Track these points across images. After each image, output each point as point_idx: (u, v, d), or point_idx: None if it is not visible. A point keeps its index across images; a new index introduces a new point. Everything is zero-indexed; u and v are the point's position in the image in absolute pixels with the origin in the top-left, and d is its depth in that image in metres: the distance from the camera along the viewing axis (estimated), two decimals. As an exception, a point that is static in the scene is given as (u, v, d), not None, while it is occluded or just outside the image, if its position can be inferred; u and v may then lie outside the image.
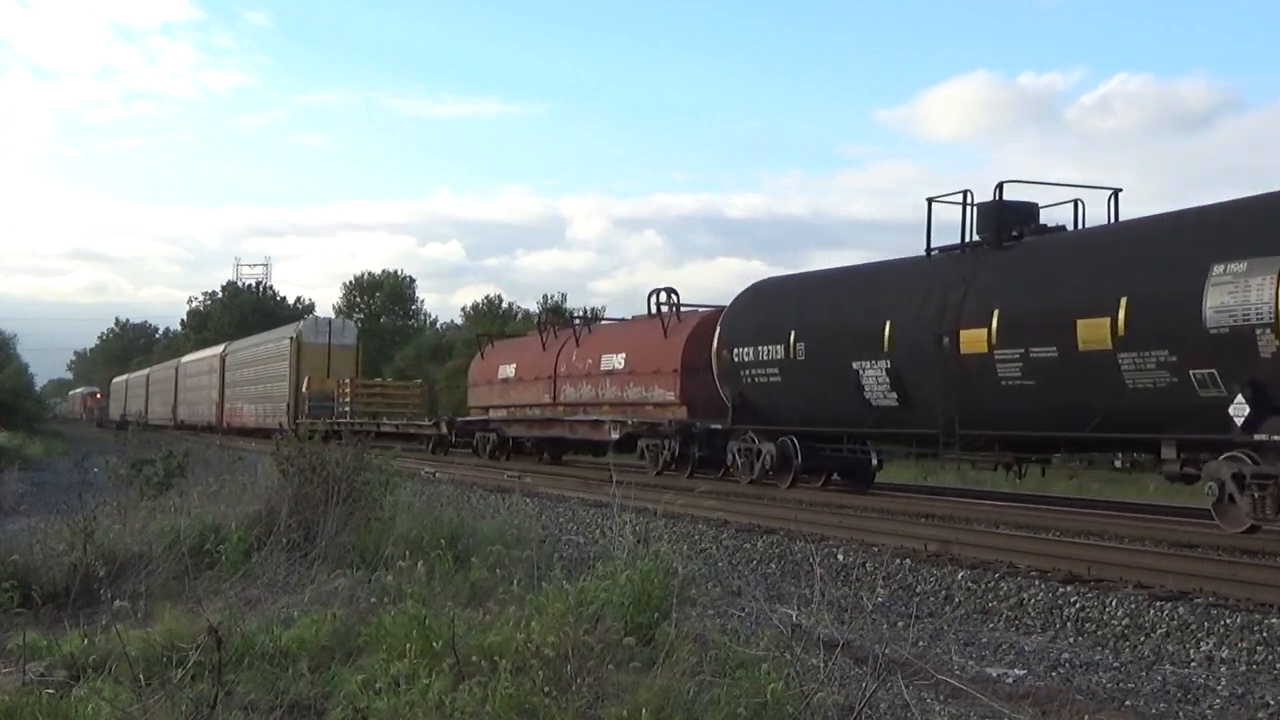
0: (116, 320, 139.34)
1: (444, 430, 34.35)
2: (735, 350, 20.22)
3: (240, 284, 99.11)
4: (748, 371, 19.91)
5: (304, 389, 44.48)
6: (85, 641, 6.46)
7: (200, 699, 5.32)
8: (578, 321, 30.47)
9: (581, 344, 27.32)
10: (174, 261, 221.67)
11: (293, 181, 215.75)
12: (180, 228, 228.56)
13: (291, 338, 47.54)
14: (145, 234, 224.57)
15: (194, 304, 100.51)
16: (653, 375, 23.50)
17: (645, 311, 26.04)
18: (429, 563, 8.16)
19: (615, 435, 24.51)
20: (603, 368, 25.49)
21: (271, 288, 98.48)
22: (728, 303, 22.48)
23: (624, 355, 24.84)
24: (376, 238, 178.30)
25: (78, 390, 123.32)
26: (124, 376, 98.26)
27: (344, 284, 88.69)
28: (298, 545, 9.14)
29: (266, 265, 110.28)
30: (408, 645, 6.02)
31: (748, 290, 21.78)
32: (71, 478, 17.48)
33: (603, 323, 31.30)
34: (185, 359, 72.33)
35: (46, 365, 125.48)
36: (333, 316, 62.49)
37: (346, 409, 41.32)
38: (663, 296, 24.41)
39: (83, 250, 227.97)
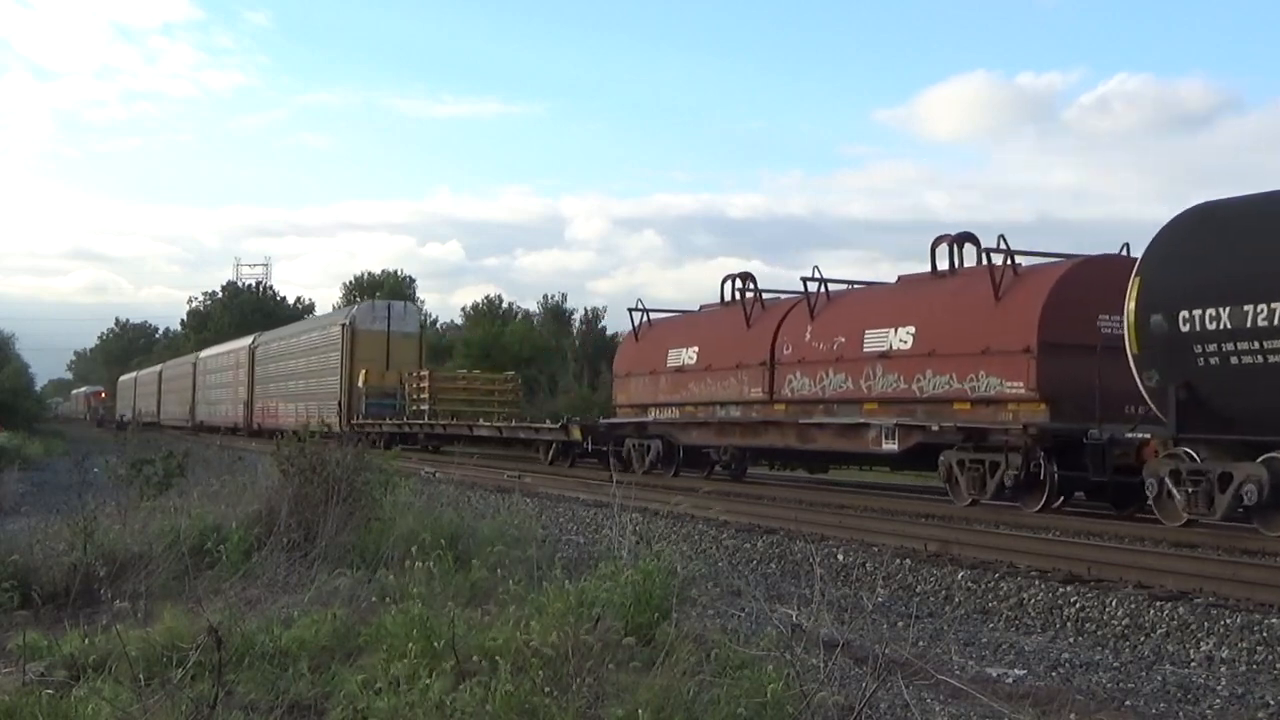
0: (116, 320, 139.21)
1: (574, 435, 25.97)
2: (1182, 314, 12.82)
3: (240, 284, 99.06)
4: (1211, 348, 12.57)
5: (360, 384, 38.43)
6: (85, 641, 6.46)
7: (200, 699, 5.32)
8: (812, 285, 20.30)
9: (821, 316, 19.77)
10: (174, 261, 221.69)
11: (293, 181, 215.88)
12: (180, 228, 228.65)
13: (343, 324, 40.56)
14: (145, 234, 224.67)
15: (194, 304, 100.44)
16: (976, 358, 16.28)
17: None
18: (429, 563, 8.17)
19: (892, 445, 17.59)
20: (868, 348, 18.25)
21: (271, 288, 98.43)
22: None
23: (911, 329, 17.54)
24: (376, 238, 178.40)
25: (81, 389, 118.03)
26: (132, 374, 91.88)
27: (344, 284, 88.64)
28: (298, 545, 9.14)
29: (266, 265, 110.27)
30: (408, 645, 6.02)
31: (1194, 216, 13.68)
32: (71, 478, 17.50)
33: (854, 287, 21.14)
34: (205, 353, 65.05)
35: (46, 365, 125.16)
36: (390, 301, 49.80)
37: (424, 407, 35.18)
38: (1000, 245, 16.39)
39: (82, 250, 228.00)
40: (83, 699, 5.32)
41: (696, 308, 25.33)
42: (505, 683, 5.30)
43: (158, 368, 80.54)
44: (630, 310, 26.07)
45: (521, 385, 40.63)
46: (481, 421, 32.12)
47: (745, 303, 22.12)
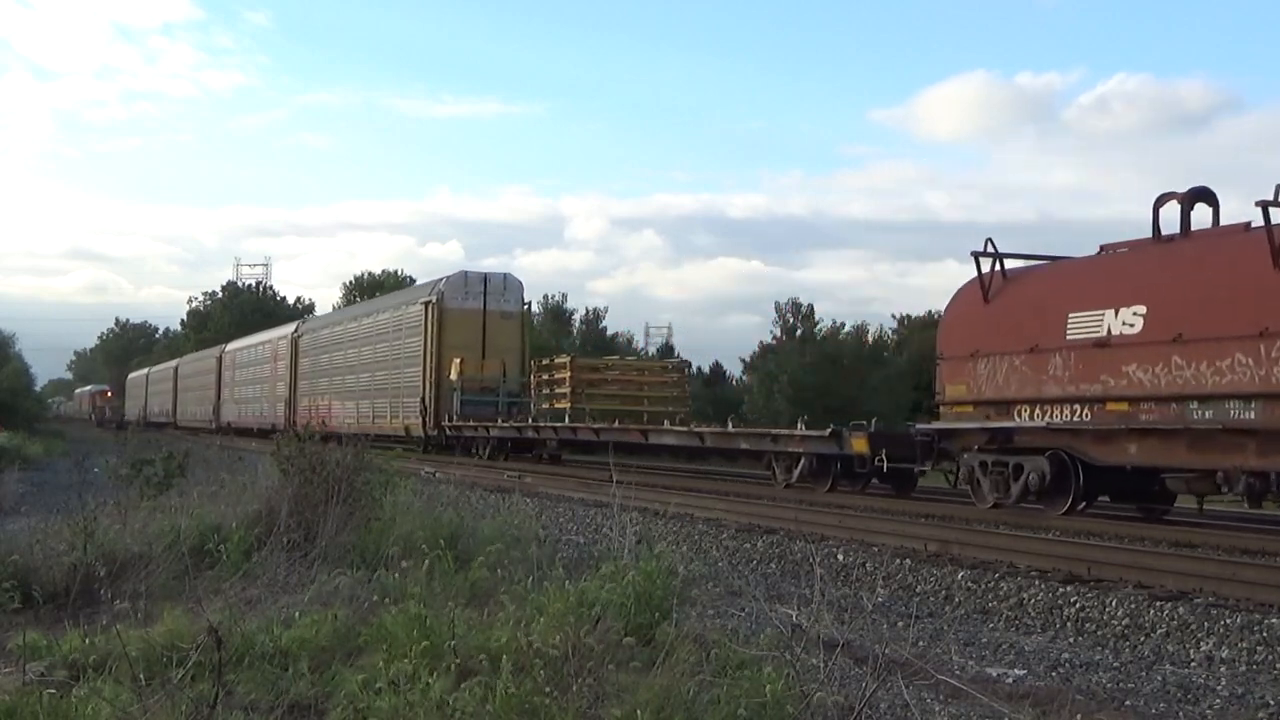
0: (116, 320, 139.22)
1: (855, 447, 17.78)
2: None
3: (240, 284, 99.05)
4: None
5: (451, 376, 30.47)
6: (85, 641, 6.46)
7: (200, 699, 5.32)
8: None
9: None
10: (174, 261, 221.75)
11: (293, 181, 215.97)
12: (180, 228, 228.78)
13: (428, 302, 32.45)
14: (145, 234, 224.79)
15: (194, 304, 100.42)
16: None
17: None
18: (429, 563, 8.17)
19: None
20: None
21: (271, 288, 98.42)
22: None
23: None
24: (376, 238, 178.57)
25: (85, 388, 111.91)
26: (143, 371, 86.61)
27: (344, 284, 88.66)
28: (298, 545, 9.14)
29: (266, 265, 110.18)
30: (408, 645, 6.02)
31: None
32: (71, 478, 17.50)
33: None
34: (235, 344, 57.83)
35: (46, 365, 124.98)
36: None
37: (563, 406, 28.24)
38: None
39: (82, 250, 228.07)
40: (83, 699, 5.32)
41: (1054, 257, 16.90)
42: (506, 683, 5.30)
43: (173, 363, 74.03)
44: (976, 255, 16.35)
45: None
46: (666, 424, 23.71)
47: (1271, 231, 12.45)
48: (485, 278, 33.09)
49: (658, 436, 24.06)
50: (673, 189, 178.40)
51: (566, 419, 27.37)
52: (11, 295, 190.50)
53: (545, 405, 29.50)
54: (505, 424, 28.94)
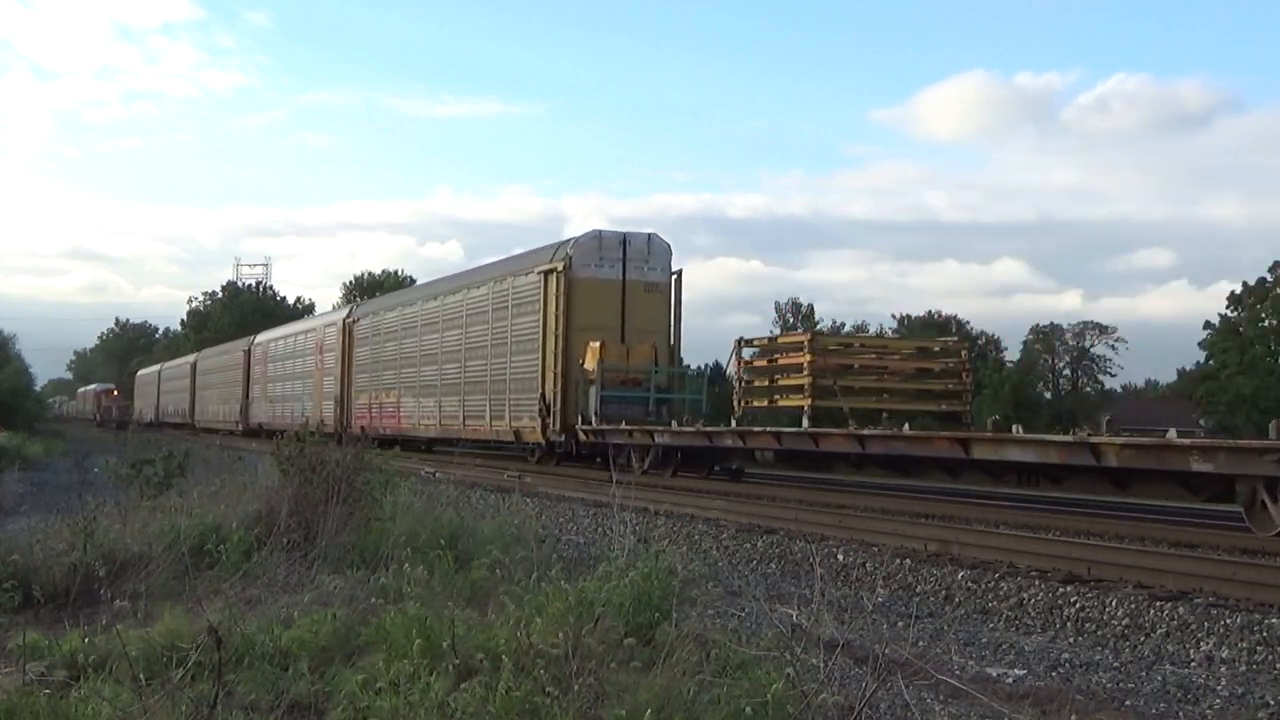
0: (116, 320, 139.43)
1: None
2: None
3: (240, 284, 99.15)
4: None
5: (588, 364, 23.62)
6: (85, 641, 6.46)
7: (200, 699, 5.32)
8: None
9: None
10: (173, 261, 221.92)
11: (293, 181, 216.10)
12: (180, 228, 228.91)
13: (550, 271, 25.05)
14: (145, 234, 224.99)
15: (194, 304, 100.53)
16: None
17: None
18: (429, 563, 8.17)
19: None
20: None
21: (271, 288, 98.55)
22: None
23: None
24: (376, 238, 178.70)
25: (89, 387, 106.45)
26: (154, 368, 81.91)
27: (344, 284, 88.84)
28: (298, 545, 9.15)
29: (266, 265, 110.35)
30: (408, 645, 6.02)
31: None
32: (71, 478, 17.50)
33: None
34: (264, 336, 51.55)
35: (46, 365, 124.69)
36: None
37: (798, 400, 20.04)
38: None
39: (82, 250, 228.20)
40: (83, 699, 5.32)
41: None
42: (506, 683, 5.30)
43: (189, 358, 67.61)
44: None
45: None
46: (1022, 434, 14.72)
47: None
48: (625, 239, 25.18)
49: (995, 450, 14.93)
50: (673, 189, 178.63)
51: (805, 421, 19.51)
52: (11, 295, 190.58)
53: (746, 401, 21.46)
54: (687, 427, 21.08)
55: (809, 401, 19.91)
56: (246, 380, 50.95)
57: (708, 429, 20.84)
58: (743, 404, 21.53)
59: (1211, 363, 56.38)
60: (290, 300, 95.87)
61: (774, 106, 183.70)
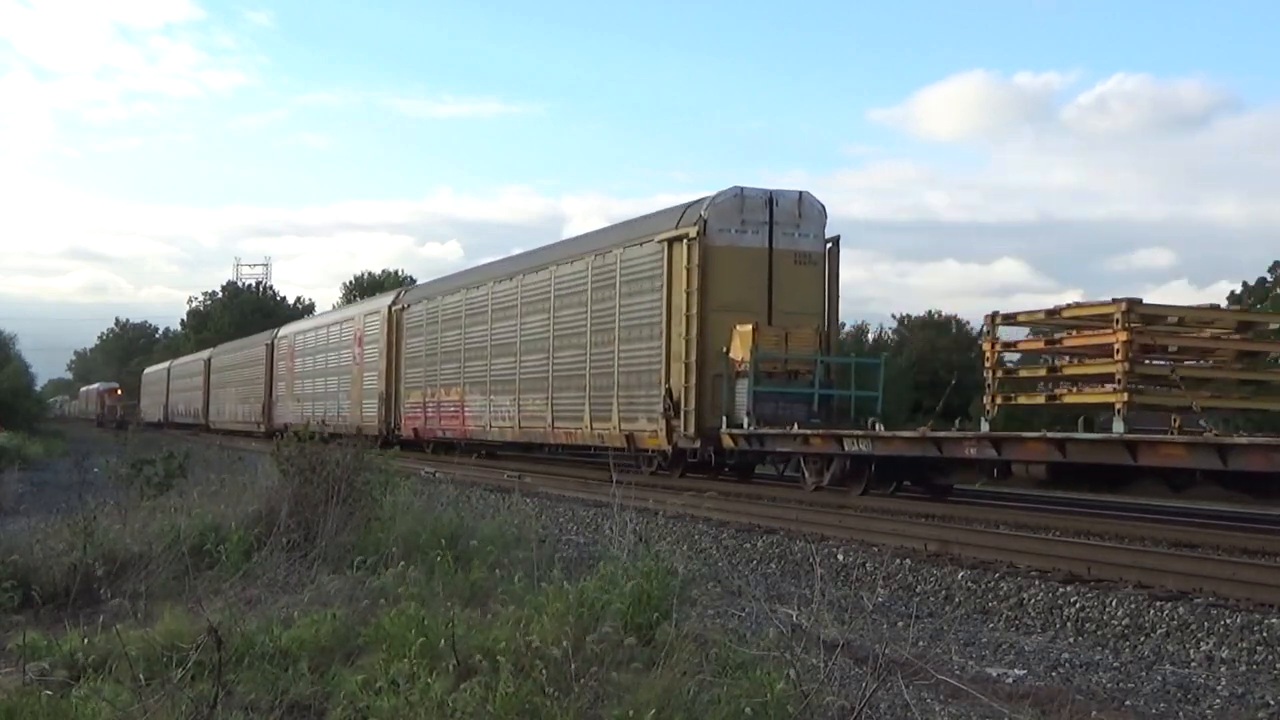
0: (116, 320, 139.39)
1: None
2: None
3: (240, 284, 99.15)
4: None
5: (736, 353, 19.03)
6: (85, 641, 6.47)
7: (200, 699, 5.32)
8: None
9: None
10: (173, 261, 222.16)
11: (293, 181, 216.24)
12: (179, 228, 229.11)
13: (677, 239, 20.17)
14: (144, 234, 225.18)
15: (194, 304, 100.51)
16: None
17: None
18: (429, 563, 8.18)
19: None
20: None
21: (271, 287, 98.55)
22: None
23: None
24: (375, 237, 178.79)
25: (92, 386, 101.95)
26: (162, 365, 77.76)
27: (344, 284, 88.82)
28: (298, 545, 9.15)
29: (266, 265, 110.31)
30: (408, 645, 6.02)
31: None
32: (71, 478, 17.50)
33: None
34: (290, 329, 47.34)
35: (46, 365, 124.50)
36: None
37: (1111, 395, 14.04)
38: None
39: (81, 250, 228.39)
40: (83, 699, 5.32)
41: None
42: (506, 683, 5.30)
43: (203, 354, 62.84)
44: None
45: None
46: None
47: None
48: (771, 199, 20.17)
49: None
50: (673, 189, 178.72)
51: (1120, 422, 13.72)
52: (11, 295, 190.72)
53: (1005, 398, 16.15)
54: (905, 431, 16.78)
55: (1124, 397, 13.90)
56: (270, 377, 46.50)
57: (937, 434, 15.74)
58: (995, 402, 15.98)
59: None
60: (290, 300, 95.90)
61: (774, 106, 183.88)
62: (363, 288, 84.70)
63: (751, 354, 18.70)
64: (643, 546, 7.99)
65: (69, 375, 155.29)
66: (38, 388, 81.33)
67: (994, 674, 7.34)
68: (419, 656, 5.88)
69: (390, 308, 34.41)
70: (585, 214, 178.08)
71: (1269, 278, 54.82)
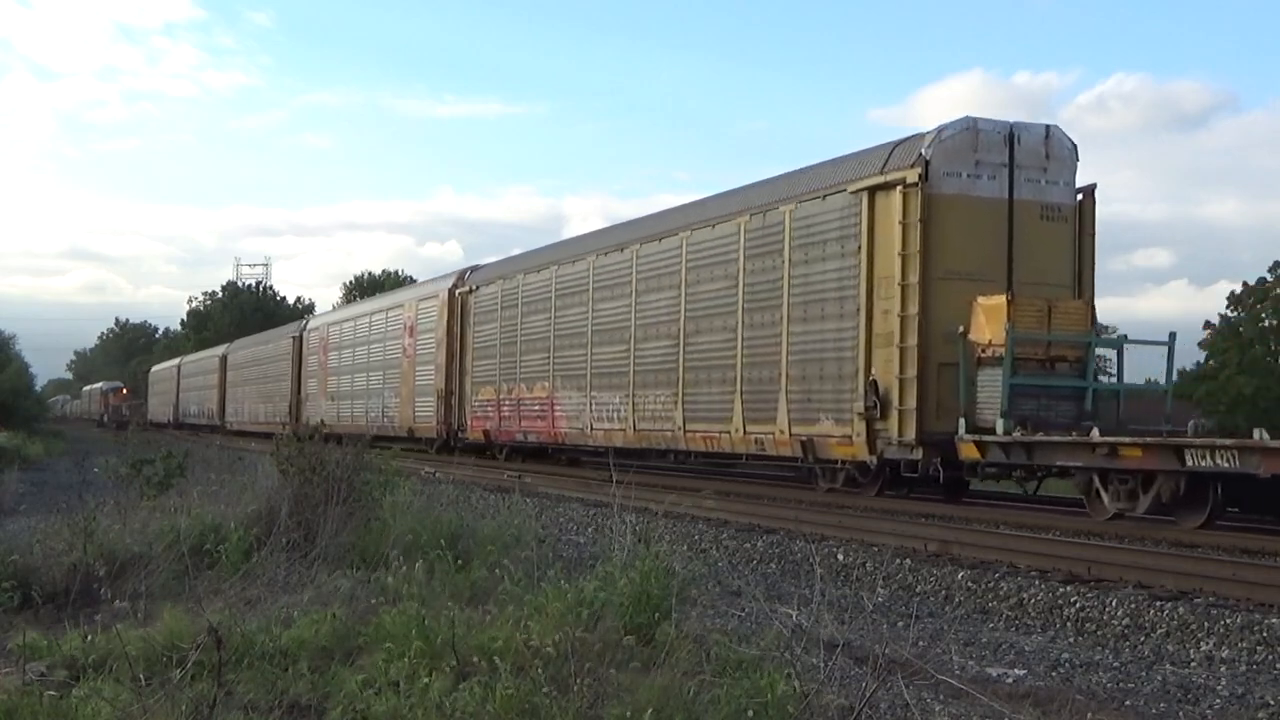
0: (116, 320, 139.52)
1: None
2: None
3: (240, 284, 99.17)
4: None
5: (975, 332, 14.59)
6: (85, 641, 6.48)
7: (200, 699, 5.32)
8: None
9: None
10: (172, 261, 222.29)
11: (293, 181, 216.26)
12: (179, 227, 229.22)
13: (885, 186, 15.59)
14: (144, 234, 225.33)
15: (194, 304, 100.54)
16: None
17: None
18: (429, 563, 8.18)
19: None
20: None
21: (271, 288, 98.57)
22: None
23: None
24: (374, 237, 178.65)
25: (95, 386, 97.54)
26: (171, 362, 73.36)
27: (344, 283, 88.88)
28: (298, 545, 9.15)
29: (266, 265, 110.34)
30: (407, 645, 6.02)
31: None
32: (72, 477, 17.51)
33: None
34: (321, 319, 43.11)
35: (46, 365, 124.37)
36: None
37: None
38: None
39: (81, 250, 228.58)
40: (83, 699, 5.33)
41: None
42: (505, 683, 5.30)
43: (218, 350, 58.64)
44: None
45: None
46: None
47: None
48: (1012, 134, 15.73)
49: None
50: (675, 189, 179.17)
51: None
52: (10, 295, 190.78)
53: None
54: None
55: None
56: (297, 373, 41.74)
57: None
58: None
59: (1211, 363, 56.33)
60: (290, 300, 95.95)
61: (775, 106, 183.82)
62: (362, 287, 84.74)
63: (1008, 335, 14.14)
64: (642, 547, 7.98)
65: (69, 375, 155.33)
66: (38, 388, 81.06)
67: (994, 674, 7.34)
68: (419, 656, 5.88)
69: (452, 291, 29.42)
70: (586, 214, 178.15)
71: (1269, 277, 54.78)
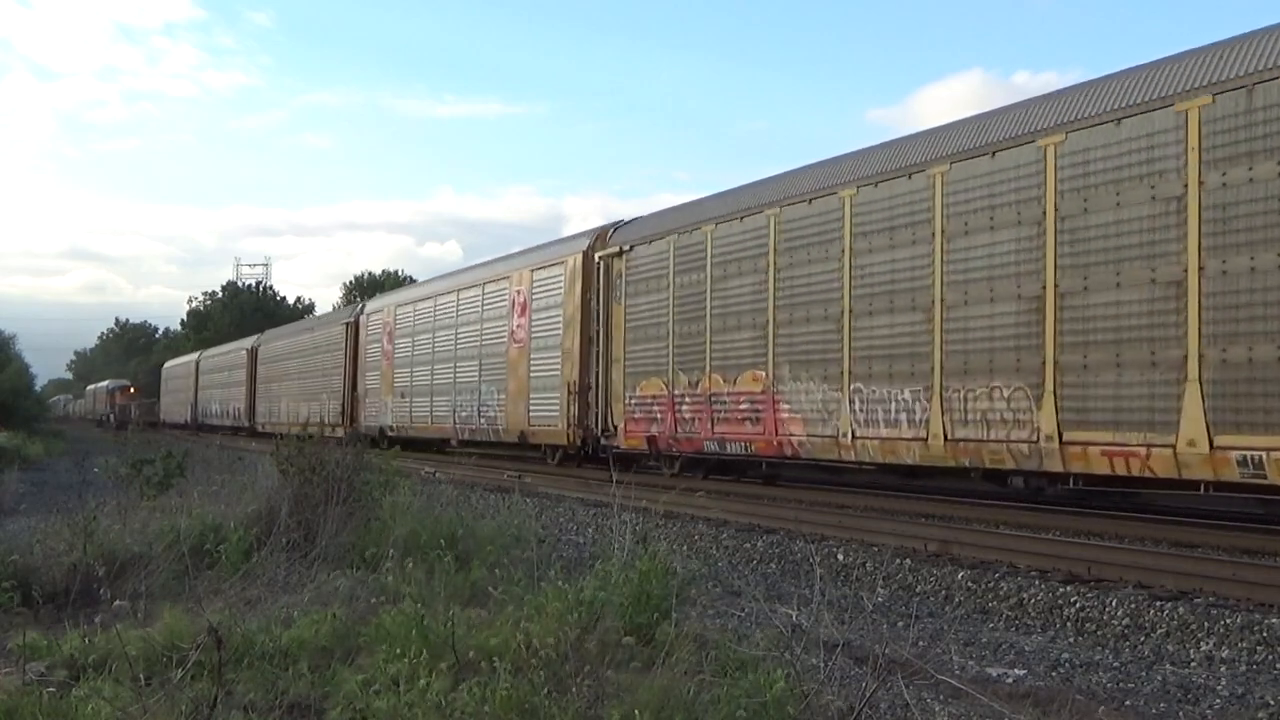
0: (116, 320, 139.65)
1: None
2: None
3: (240, 284, 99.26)
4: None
5: None
6: (85, 641, 6.47)
7: (200, 699, 5.32)
8: None
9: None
10: (172, 261, 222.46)
11: (293, 181, 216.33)
12: (179, 227, 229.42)
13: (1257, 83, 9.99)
14: (144, 234, 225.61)
15: (194, 304, 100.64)
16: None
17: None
18: (429, 562, 8.18)
19: None
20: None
21: (271, 288, 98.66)
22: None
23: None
24: (374, 237, 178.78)
25: (100, 384, 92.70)
26: (188, 357, 66.67)
27: (344, 284, 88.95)
28: (298, 545, 9.15)
29: (266, 265, 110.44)
30: (407, 645, 6.03)
31: None
32: (72, 477, 17.52)
33: None
34: (383, 301, 35.89)
35: (46, 365, 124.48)
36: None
37: None
38: None
39: (81, 250, 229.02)
40: (83, 699, 5.33)
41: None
42: (505, 683, 5.30)
43: (246, 341, 52.02)
44: None
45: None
46: None
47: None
48: None
49: None
50: (675, 189, 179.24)
51: None
52: (10, 295, 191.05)
53: None
54: None
55: None
56: (352, 367, 35.40)
57: None
58: None
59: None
60: (290, 300, 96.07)
61: (775, 106, 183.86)
62: (363, 287, 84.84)
63: None
64: (642, 546, 7.99)
65: (69, 375, 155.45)
66: (38, 388, 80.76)
67: (994, 674, 7.34)
68: (418, 656, 5.89)
69: (588, 254, 22.39)
70: (585, 214, 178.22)
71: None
